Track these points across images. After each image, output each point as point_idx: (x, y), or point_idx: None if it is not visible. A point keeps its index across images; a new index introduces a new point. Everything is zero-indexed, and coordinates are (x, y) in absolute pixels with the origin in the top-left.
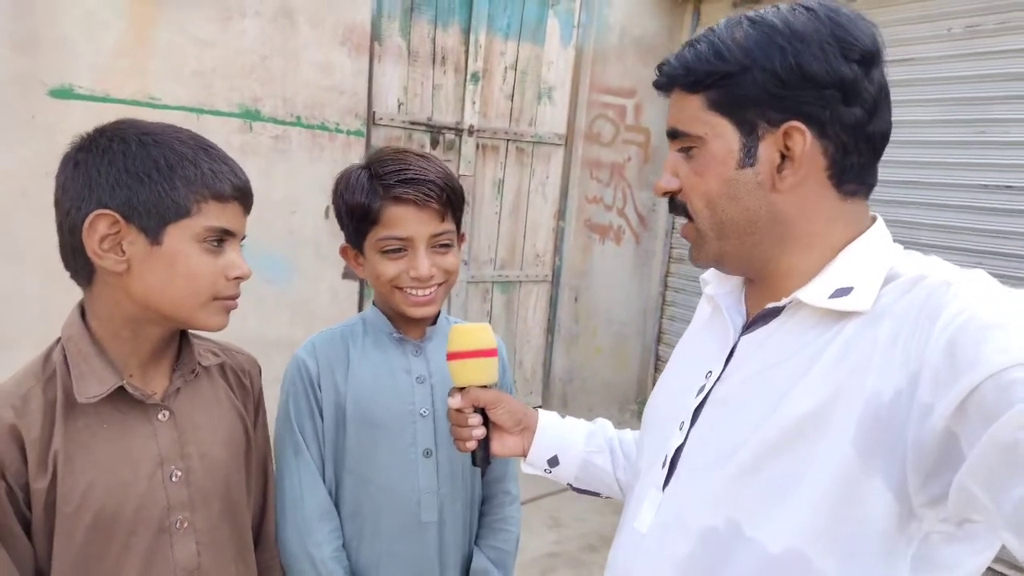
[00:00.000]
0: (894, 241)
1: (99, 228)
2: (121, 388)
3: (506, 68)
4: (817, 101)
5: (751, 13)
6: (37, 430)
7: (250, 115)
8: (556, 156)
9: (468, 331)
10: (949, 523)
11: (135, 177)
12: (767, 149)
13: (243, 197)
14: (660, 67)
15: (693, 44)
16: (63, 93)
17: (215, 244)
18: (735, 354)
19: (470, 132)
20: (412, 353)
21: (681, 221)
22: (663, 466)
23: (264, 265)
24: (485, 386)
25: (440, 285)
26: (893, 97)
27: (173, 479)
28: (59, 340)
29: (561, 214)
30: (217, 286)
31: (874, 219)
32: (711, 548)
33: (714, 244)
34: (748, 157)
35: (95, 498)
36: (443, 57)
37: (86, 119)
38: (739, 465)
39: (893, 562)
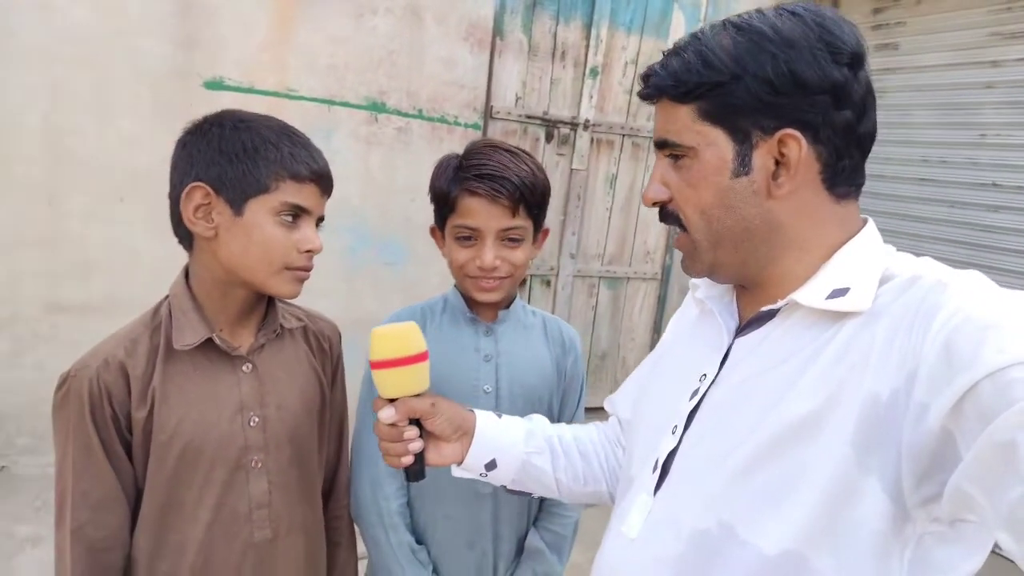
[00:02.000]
0: None
1: (194, 198)
2: (211, 340)
3: (627, 62)
4: (810, 107)
5: (735, 19)
6: (141, 368)
7: (376, 107)
8: None
9: (392, 335)
10: (941, 523)
11: (225, 156)
12: (761, 157)
13: (320, 179)
14: (645, 78)
15: (679, 52)
16: (215, 85)
17: (290, 219)
18: (730, 357)
19: (585, 126)
20: (483, 333)
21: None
22: (654, 470)
23: (384, 249)
24: (418, 394)
25: (505, 278)
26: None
27: (251, 424)
28: (167, 296)
29: None
30: (289, 257)
31: (865, 221)
32: (703, 550)
33: (708, 254)
34: (743, 166)
35: (184, 431)
36: (563, 52)
37: (235, 108)
38: (733, 468)
39: (888, 564)
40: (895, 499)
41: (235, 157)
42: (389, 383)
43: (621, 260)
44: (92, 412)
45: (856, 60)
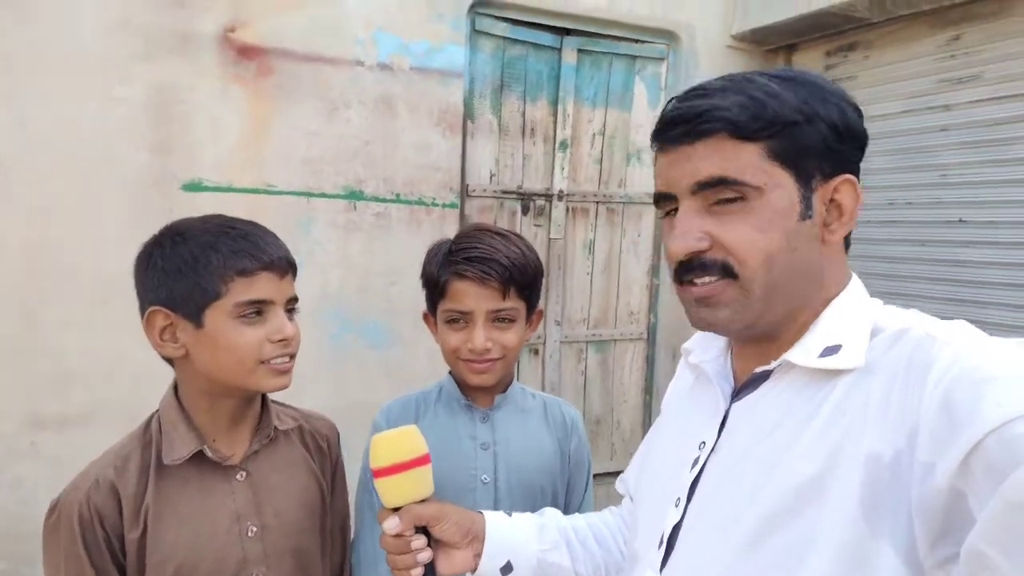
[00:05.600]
0: None
1: (156, 323)
2: (202, 451)
3: (594, 134)
4: (854, 156)
5: (774, 73)
6: (133, 487)
7: (354, 195)
8: (647, 215)
9: (392, 440)
10: None
11: (170, 274)
12: (817, 202)
13: (271, 266)
14: (697, 114)
15: (740, 91)
16: (193, 187)
17: (254, 315)
18: (727, 422)
19: (560, 197)
20: (479, 420)
21: (705, 280)
22: (659, 545)
23: (368, 333)
24: (422, 500)
25: (498, 359)
26: (1011, 134)
27: (249, 534)
28: (158, 411)
29: (655, 271)
30: (262, 352)
31: (850, 275)
32: None
33: (757, 305)
34: (808, 209)
35: (178, 550)
36: (532, 129)
37: (213, 207)
38: (740, 539)
39: None
40: (910, 563)
41: (179, 272)
42: (392, 491)
43: (606, 323)
44: (84, 537)
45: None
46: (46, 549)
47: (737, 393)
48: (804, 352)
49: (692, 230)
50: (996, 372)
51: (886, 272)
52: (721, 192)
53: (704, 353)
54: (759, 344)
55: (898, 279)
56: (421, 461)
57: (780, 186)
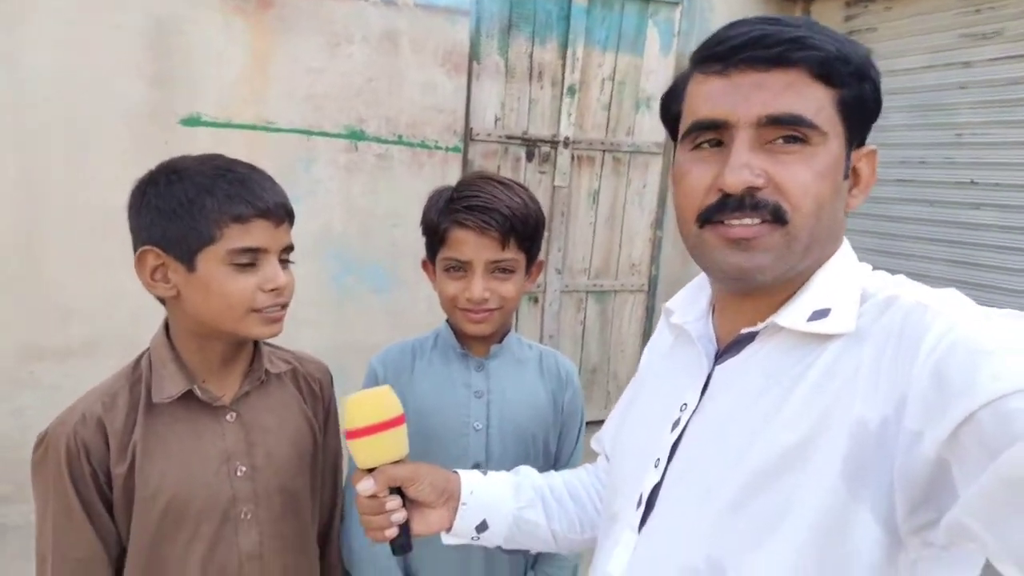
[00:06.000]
0: None
1: (148, 262)
2: (192, 391)
3: (603, 79)
4: (870, 126)
5: (814, 22)
6: (120, 423)
7: (356, 135)
8: (654, 165)
9: (365, 401)
10: (934, 547)
11: (164, 214)
12: (849, 165)
13: (267, 213)
14: (796, 38)
15: (824, 32)
16: (192, 121)
17: (247, 263)
18: (710, 384)
19: (565, 144)
20: (474, 368)
21: (747, 222)
22: (638, 506)
23: (369, 275)
24: (397, 461)
25: (495, 309)
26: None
27: (239, 474)
28: (148, 349)
29: (659, 223)
30: (254, 300)
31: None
32: None
33: (797, 256)
34: (848, 168)
35: (168, 486)
36: (540, 72)
37: (212, 143)
38: (721, 502)
39: None
40: (888, 528)
41: (173, 214)
42: (366, 452)
43: (607, 274)
44: (70, 470)
45: None
46: (34, 482)
47: (720, 355)
48: (793, 315)
49: (752, 164)
50: (991, 344)
51: (894, 232)
52: (787, 130)
53: (686, 313)
54: (753, 301)
55: (903, 238)
56: (396, 422)
57: (839, 137)
